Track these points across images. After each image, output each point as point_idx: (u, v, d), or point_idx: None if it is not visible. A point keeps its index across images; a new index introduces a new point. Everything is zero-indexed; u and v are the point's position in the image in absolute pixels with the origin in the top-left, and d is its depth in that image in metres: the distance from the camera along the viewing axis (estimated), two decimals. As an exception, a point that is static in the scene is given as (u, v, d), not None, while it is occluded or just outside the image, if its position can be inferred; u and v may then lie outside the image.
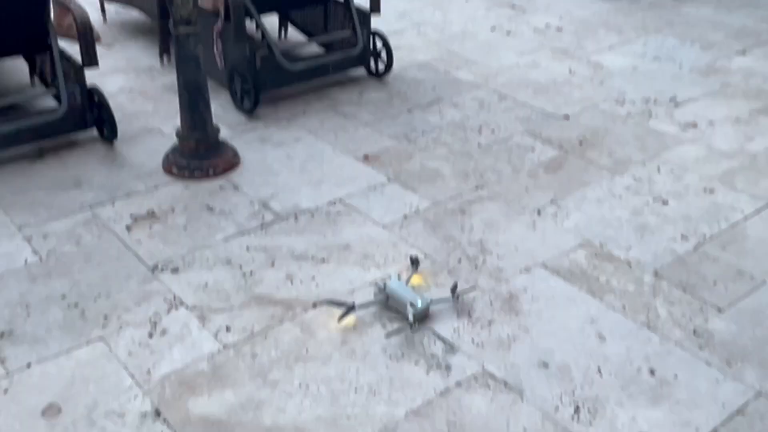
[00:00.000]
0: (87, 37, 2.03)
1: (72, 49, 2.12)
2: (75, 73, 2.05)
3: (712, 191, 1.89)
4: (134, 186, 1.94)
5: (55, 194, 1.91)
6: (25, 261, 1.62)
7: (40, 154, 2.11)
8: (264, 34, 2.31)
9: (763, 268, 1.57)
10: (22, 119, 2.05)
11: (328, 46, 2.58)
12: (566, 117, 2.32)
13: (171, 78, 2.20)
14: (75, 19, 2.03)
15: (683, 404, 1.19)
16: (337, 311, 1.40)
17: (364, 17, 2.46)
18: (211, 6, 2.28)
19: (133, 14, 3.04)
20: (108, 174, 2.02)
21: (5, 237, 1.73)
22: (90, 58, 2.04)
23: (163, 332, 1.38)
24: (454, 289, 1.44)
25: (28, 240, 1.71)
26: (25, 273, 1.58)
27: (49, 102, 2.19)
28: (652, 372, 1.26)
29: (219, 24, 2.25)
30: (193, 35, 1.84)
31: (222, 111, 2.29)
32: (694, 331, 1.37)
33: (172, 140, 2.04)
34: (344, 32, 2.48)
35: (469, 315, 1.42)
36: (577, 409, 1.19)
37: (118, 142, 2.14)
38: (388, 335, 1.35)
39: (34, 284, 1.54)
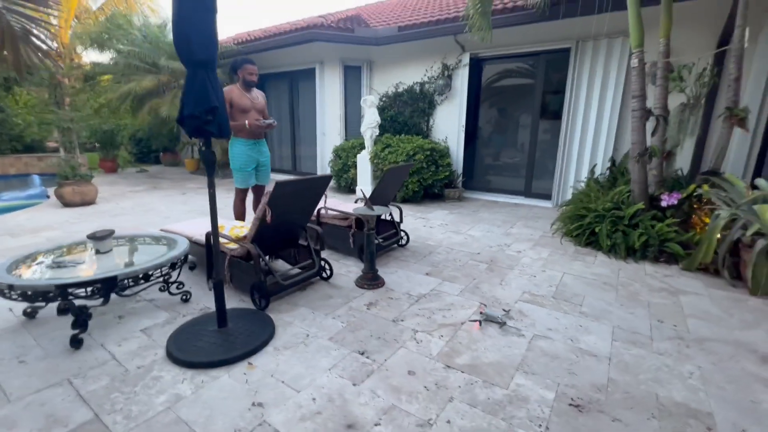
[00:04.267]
0: (322, 240, 3.98)
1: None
2: (317, 253, 3.91)
3: (535, 273, 4.41)
4: (354, 295, 3.75)
5: (323, 301, 3.64)
6: (340, 326, 3.18)
7: (304, 288, 3.81)
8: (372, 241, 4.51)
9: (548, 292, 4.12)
10: (300, 273, 3.84)
11: (385, 238, 4.88)
12: (479, 254, 4.88)
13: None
14: (318, 234, 3.97)
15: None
16: (474, 323, 3.31)
17: (398, 225, 5.01)
18: (346, 224, 4.48)
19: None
20: (338, 291, 3.81)
21: (321, 318, 3.29)
22: (321, 247, 3.97)
23: (418, 341, 2.98)
24: (506, 311, 3.50)
25: (335, 318, 3.28)
26: (342, 330, 3.13)
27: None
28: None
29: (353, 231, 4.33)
30: (373, 233, 3.87)
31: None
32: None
33: (357, 275, 4.11)
34: (396, 236, 4.90)
35: (512, 317, 3.50)
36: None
37: (332, 280, 4.07)
38: (499, 327, 3.33)
39: (348, 334, 3.09)
